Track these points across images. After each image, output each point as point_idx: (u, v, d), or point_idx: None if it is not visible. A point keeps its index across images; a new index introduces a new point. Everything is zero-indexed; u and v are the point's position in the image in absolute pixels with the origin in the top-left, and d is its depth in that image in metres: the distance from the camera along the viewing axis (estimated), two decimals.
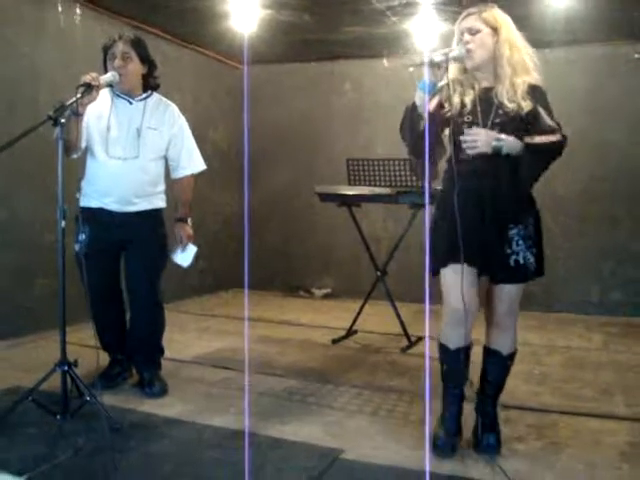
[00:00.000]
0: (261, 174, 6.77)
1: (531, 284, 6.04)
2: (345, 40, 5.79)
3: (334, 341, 4.64)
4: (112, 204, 3.31)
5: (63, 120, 2.80)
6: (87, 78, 2.96)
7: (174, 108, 3.51)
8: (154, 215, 3.43)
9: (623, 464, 2.60)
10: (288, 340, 4.75)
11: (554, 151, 2.51)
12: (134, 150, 3.30)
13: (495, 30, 2.54)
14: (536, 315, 5.60)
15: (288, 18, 5.13)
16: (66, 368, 2.83)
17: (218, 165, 6.64)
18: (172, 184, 3.57)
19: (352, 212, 4.76)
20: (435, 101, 2.59)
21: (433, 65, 2.46)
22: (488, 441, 2.67)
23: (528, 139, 2.46)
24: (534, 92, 2.51)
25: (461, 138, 2.48)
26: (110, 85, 3.22)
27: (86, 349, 3.10)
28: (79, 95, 2.89)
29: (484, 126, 2.51)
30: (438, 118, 2.59)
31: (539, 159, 2.49)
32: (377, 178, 4.53)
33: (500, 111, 2.51)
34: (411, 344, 4.48)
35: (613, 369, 4.05)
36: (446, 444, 2.65)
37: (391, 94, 5.94)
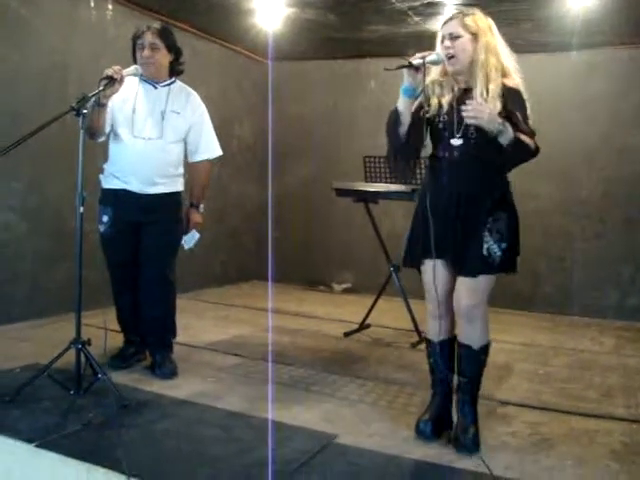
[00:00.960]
0: (284, 168, 6.89)
1: (545, 285, 6.09)
2: (370, 39, 5.87)
3: (346, 334, 4.73)
4: (134, 184, 3.45)
5: (85, 111, 2.96)
6: (110, 71, 3.12)
7: (196, 95, 3.67)
8: (173, 197, 3.58)
9: (612, 462, 2.64)
10: (301, 331, 4.86)
11: (530, 154, 2.57)
12: (158, 131, 3.46)
13: (475, 35, 2.59)
14: (549, 317, 5.64)
15: (312, 16, 5.24)
16: (80, 346, 2.99)
17: (242, 158, 6.80)
18: (189, 168, 3.71)
19: (368, 208, 4.84)
20: (416, 104, 2.69)
21: (411, 69, 2.55)
22: (465, 441, 2.67)
23: (517, 134, 2.49)
24: (509, 94, 2.55)
25: (464, 107, 2.48)
26: (134, 76, 3.37)
27: (103, 331, 3.25)
28: (101, 88, 3.06)
29: (458, 125, 2.59)
30: (418, 120, 2.69)
31: (520, 156, 2.56)
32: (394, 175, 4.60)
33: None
34: (421, 340, 4.54)
35: (620, 372, 4.06)
36: (426, 427, 2.74)
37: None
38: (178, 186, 3.63)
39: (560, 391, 3.59)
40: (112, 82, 3.12)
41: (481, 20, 2.63)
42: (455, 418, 2.78)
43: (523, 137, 2.50)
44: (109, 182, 3.51)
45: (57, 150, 4.45)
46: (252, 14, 5.26)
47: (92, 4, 4.93)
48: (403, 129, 2.67)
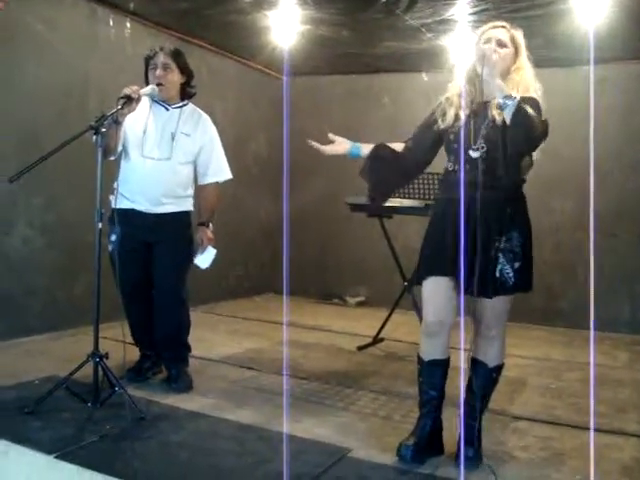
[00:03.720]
0: (299, 183, 6.94)
1: (559, 300, 6.08)
2: (383, 54, 5.94)
3: (359, 348, 4.76)
4: (143, 204, 3.52)
5: (104, 129, 3.04)
6: (128, 91, 3.20)
7: (207, 118, 3.73)
8: (181, 217, 3.64)
9: (623, 478, 2.65)
10: (315, 345, 4.90)
11: (537, 129, 2.45)
12: (167, 152, 3.52)
13: (517, 52, 2.65)
14: (563, 331, 5.63)
15: (327, 33, 5.31)
16: (98, 360, 3.05)
17: (258, 173, 6.87)
18: (198, 190, 3.76)
19: (382, 223, 4.88)
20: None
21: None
22: (466, 454, 2.64)
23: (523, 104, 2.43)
24: (526, 100, 2.51)
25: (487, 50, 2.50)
26: (151, 97, 3.45)
27: (120, 344, 3.31)
28: (119, 107, 3.13)
29: (475, 137, 2.57)
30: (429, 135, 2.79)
31: (525, 130, 2.44)
32: (407, 190, 4.65)
33: (490, 124, 2.57)
34: None
35: (633, 387, 4.06)
36: (407, 451, 2.64)
37: (429, 108, 6.02)
38: (187, 206, 3.68)
39: (572, 406, 3.60)
40: (130, 101, 3.20)
41: (522, 39, 2.67)
42: (458, 431, 2.75)
43: (529, 110, 2.43)
44: (118, 202, 3.54)
45: (75, 167, 4.52)
46: (267, 31, 5.34)
47: (111, 23, 5.03)
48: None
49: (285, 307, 6.28)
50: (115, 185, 3.59)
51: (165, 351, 3.68)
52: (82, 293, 4.69)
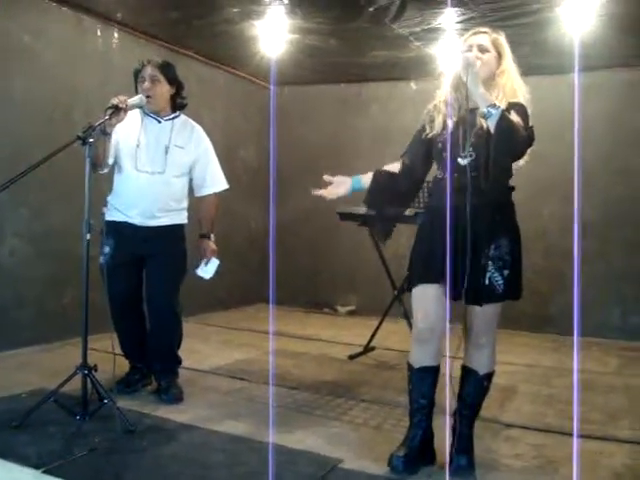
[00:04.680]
0: (289, 192, 6.94)
1: (549, 306, 6.09)
2: (372, 63, 5.96)
3: (350, 357, 4.75)
4: (136, 217, 3.51)
5: (91, 140, 3.01)
6: (115, 101, 3.18)
7: (200, 129, 3.71)
8: (175, 231, 3.62)
9: None
10: (306, 354, 4.89)
11: (521, 138, 2.46)
12: (161, 165, 3.51)
13: (500, 56, 2.65)
14: (553, 338, 5.64)
15: (315, 42, 5.33)
16: (86, 372, 3.02)
17: (248, 182, 6.86)
18: (196, 202, 3.76)
19: (372, 231, 4.87)
20: (396, 165, 2.83)
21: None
22: (459, 462, 2.65)
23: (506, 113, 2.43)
24: (512, 106, 2.54)
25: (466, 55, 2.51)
26: (139, 107, 3.43)
27: (110, 356, 3.28)
28: (107, 117, 3.11)
29: (464, 145, 2.56)
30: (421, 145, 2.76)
31: (509, 138, 2.43)
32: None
33: (480, 132, 2.55)
34: None
35: (624, 393, 4.07)
36: (399, 462, 2.62)
37: (418, 116, 6.03)
38: (181, 219, 3.67)
39: (564, 413, 3.59)
40: (118, 111, 3.18)
41: (506, 45, 2.67)
42: (449, 440, 2.73)
43: (513, 118, 2.44)
44: (112, 215, 3.54)
45: (63, 177, 4.51)
46: (256, 40, 5.34)
47: (99, 33, 5.02)
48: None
49: (271, 316, 6.26)
50: (109, 198, 3.58)
51: (156, 363, 3.65)
52: (71, 304, 4.65)
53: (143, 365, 3.71)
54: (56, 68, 4.70)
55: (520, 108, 2.57)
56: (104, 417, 3.00)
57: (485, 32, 2.68)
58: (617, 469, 2.83)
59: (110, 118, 3.15)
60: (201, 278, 3.72)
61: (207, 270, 3.69)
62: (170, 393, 3.53)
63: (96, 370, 3.06)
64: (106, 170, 3.52)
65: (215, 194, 3.77)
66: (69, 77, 4.80)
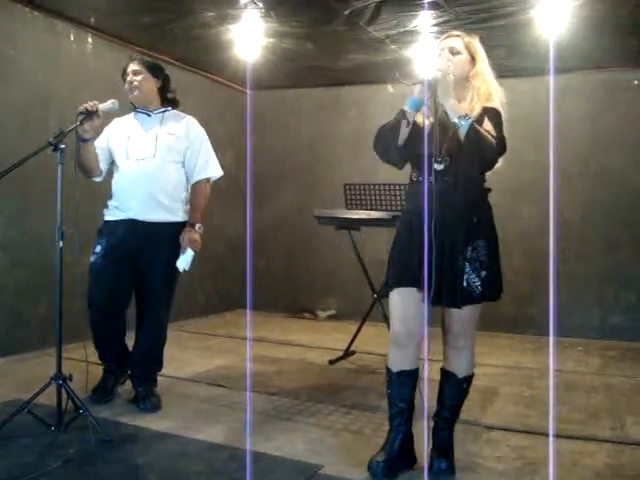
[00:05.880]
0: (267, 197, 6.93)
1: (529, 307, 6.11)
2: (348, 67, 5.95)
3: (331, 362, 4.72)
4: (136, 208, 3.45)
5: (63, 146, 2.97)
6: (86, 105, 3.14)
7: (192, 119, 3.69)
8: (175, 229, 3.53)
9: None
10: (286, 360, 4.84)
11: (492, 148, 2.46)
12: (151, 150, 3.48)
13: (473, 59, 2.64)
14: (534, 339, 5.65)
15: (291, 46, 5.31)
16: (61, 382, 2.97)
17: (226, 188, 6.79)
18: (190, 191, 3.66)
19: (351, 235, 4.86)
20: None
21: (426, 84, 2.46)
22: (439, 466, 2.64)
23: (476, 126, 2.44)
24: (487, 112, 2.55)
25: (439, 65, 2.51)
26: (112, 111, 3.38)
27: (87, 365, 3.23)
28: (77, 122, 3.09)
29: (440, 149, 2.54)
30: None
31: (479, 147, 2.45)
32: (374, 202, 4.64)
33: (454, 136, 2.53)
34: None
35: (605, 393, 4.08)
36: (378, 467, 2.60)
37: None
38: (180, 215, 3.57)
39: (545, 414, 3.56)
40: (89, 116, 3.15)
41: (480, 47, 2.67)
42: (430, 444, 2.71)
43: (483, 131, 2.45)
44: (110, 214, 3.53)
45: (38, 184, 4.44)
46: (232, 45, 5.31)
47: (72, 37, 4.96)
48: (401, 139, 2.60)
49: (249, 322, 6.19)
50: (109, 202, 3.56)
51: (137, 368, 3.59)
52: (47, 313, 4.58)
53: (117, 366, 3.64)
54: (30, 74, 4.62)
55: (494, 115, 2.57)
56: (80, 427, 2.96)
57: (458, 35, 2.68)
58: (597, 468, 2.83)
59: (82, 123, 3.13)
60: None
61: (182, 260, 3.51)
62: (148, 401, 3.47)
63: (71, 380, 3.01)
64: (100, 178, 3.53)
65: (207, 181, 3.67)
66: (43, 83, 4.73)
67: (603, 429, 3.37)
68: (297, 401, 3.74)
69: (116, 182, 3.55)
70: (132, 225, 3.46)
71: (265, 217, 6.88)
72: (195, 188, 3.65)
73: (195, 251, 3.53)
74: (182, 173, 3.60)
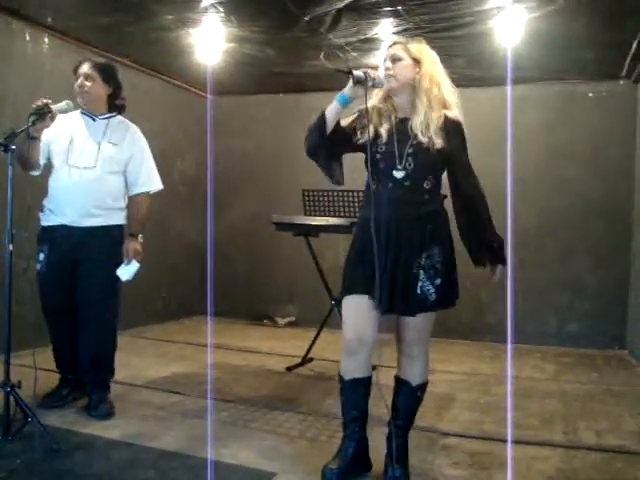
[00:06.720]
0: (227, 203, 6.87)
1: (487, 314, 6.15)
2: (309, 73, 5.94)
3: (288, 368, 4.69)
4: (71, 216, 3.39)
5: (13, 147, 2.91)
6: (39, 103, 3.08)
7: (136, 129, 3.64)
8: (112, 232, 3.50)
9: None
10: (244, 367, 4.80)
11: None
12: (93, 161, 3.42)
13: (417, 62, 2.61)
14: (492, 346, 5.70)
15: (251, 51, 5.28)
16: (9, 389, 2.88)
17: (186, 193, 6.75)
18: (128, 201, 3.65)
19: (309, 242, 4.84)
20: (349, 119, 2.68)
21: (356, 84, 2.51)
22: (394, 474, 2.62)
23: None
24: (451, 126, 2.57)
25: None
26: (65, 112, 3.31)
27: (40, 372, 3.14)
28: (29, 123, 3.02)
29: (400, 156, 2.56)
30: (343, 136, 2.67)
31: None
32: (332, 209, 4.63)
33: (414, 142, 2.56)
34: None
35: (559, 398, 4.13)
36: (332, 475, 2.59)
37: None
38: (117, 219, 3.54)
39: (501, 420, 3.60)
40: (42, 116, 3.08)
41: (426, 50, 2.65)
42: (384, 452, 2.71)
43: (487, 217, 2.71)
44: (46, 219, 3.45)
45: None
46: (192, 49, 5.27)
47: (27, 37, 4.86)
48: (325, 132, 2.62)
49: (210, 329, 6.14)
50: (44, 202, 3.47)
51: (86, 375, 3.51)
52: None
53: (74, 377, 3.56)
54: None
55: (459, 131, 2.61)
56: (28, 436, 2.86)
57: (399, 42, 2.68)
58: (550, 473, 2.86)
59: (34, 124, 3.06)
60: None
61: (126, 271, 3.47)
62: (100, 409, 3.40)
63: (20, 387, 2.92)
64: (37, 172, 3.45)
65: (148, 194, 3.67)
66: None
67: (556, 434, 3.42)
68: (253, 408, 3.71)
69: (53, 186, 3.46)
70: (68, 231, 3.40)
71: (225, 223, 6.83)
72: (136, 200, 3.63)
73: (139, 262, 3.51)
74: (122, 182, 3.57)
